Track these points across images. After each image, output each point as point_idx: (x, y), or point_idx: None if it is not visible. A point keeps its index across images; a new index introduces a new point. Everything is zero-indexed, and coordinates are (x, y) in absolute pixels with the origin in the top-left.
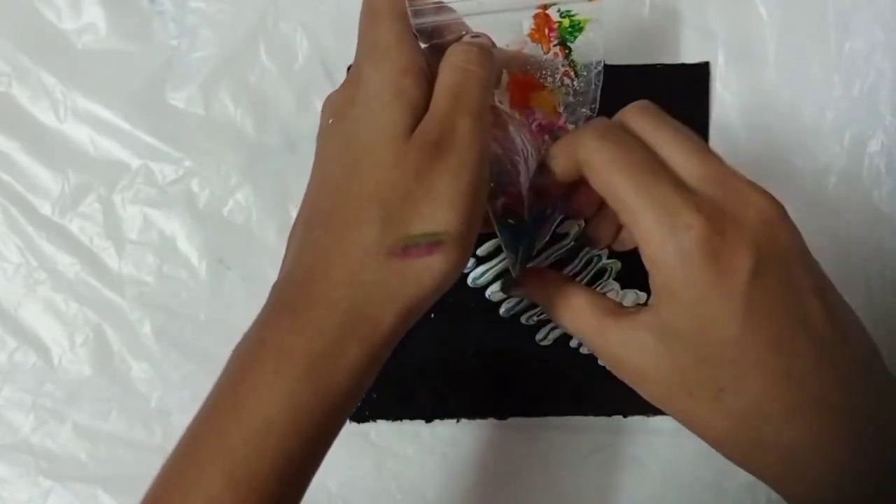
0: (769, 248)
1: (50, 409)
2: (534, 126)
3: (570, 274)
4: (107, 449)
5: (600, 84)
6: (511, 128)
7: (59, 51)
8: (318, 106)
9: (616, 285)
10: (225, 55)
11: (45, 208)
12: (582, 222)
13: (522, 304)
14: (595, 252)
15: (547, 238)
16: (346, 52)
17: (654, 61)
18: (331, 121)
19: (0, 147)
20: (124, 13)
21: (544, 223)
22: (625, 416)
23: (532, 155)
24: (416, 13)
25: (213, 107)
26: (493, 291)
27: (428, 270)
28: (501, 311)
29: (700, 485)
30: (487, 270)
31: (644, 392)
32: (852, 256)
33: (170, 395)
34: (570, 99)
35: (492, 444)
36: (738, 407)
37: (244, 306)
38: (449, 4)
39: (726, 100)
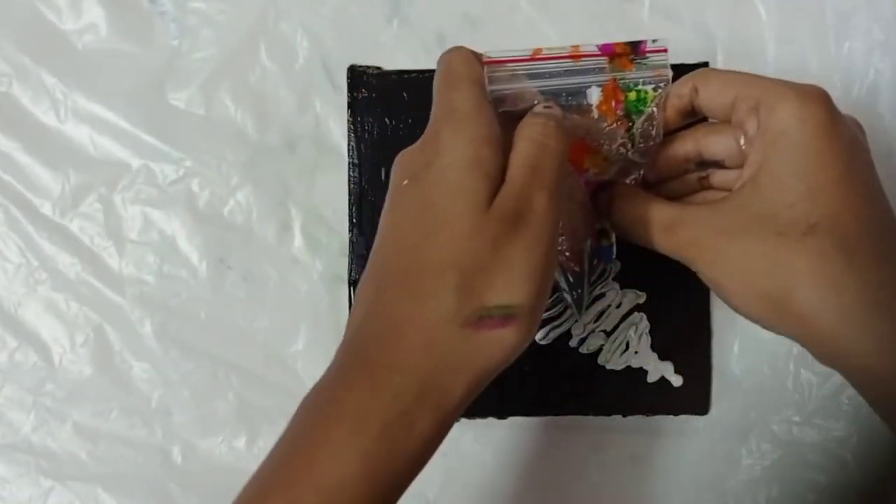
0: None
1: (50, 409)
2: (583, 181)
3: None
4: (107, 448)
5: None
6: (572, 183)
7: (59, 51)
8: (319, 106)
9: (616, 285)
10: (225, 55)
11: (46, 208)
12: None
13: None
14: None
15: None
16: (347, 52)
17: None
18: (405, 182)
19: (1, 147)
20: (125, 13)
21: (594, 266)
22: (624, 416)
23: (587, 209)
24: (491, 80)
25: (214, 107)
26: None
27: (500, 343)
28: None
29: (700, 485)
30: None
31: (716, 250)
32: None
33: (170, 395)
34: (622, 164)
35: (492, 443)
36: (828, 243)
37: (244, 306)
38: (522, 73)
39: None
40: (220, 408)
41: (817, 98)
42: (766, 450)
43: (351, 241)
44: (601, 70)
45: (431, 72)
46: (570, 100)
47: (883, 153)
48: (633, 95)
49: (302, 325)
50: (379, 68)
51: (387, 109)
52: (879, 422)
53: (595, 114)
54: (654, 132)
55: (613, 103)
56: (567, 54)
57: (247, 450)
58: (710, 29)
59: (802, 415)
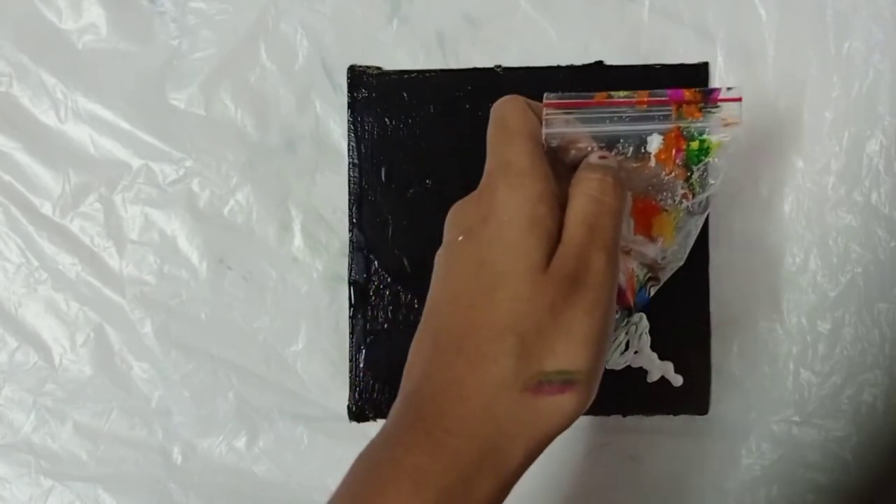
0: None
1: (51, 409)
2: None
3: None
4: (107, 448)
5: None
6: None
7: (59, 51)
8: (319, 106)
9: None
10: (225, 55)
11: (46, 208)
12: None
13: None
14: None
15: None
16: (347, 52)
17: (654, 61)
18: (460, 238)
19: (1, 147)
20: (125, 13)
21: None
22: (624, 416)
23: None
24: (547, 123)
25: (214, 107)
26: None
27: (559, 409)
28: None
29: (700, 485)
30: None
31: None
32: (850, 257)
33: (170, 395)
34: (685, 218)
35: None
36: None
37: (244, 306)
38: (580, 117)
39: None
40: (220, 408)
41: None
42: (766, 450)
43: (351, 240)
44: (665, 117)
45: (432, 72)
46: (627, 147)
47: (883, 155)
48: (695, 145)
49: (302, 325)
50: (379, 68)
51: (387, 109)
52: (879, 421)
53: (652, 162)
54: (713, 181)
55: (674, 152)
56: (633, 100)
57: (247, 450)
58: (710, 29)
59: (802, 414)
